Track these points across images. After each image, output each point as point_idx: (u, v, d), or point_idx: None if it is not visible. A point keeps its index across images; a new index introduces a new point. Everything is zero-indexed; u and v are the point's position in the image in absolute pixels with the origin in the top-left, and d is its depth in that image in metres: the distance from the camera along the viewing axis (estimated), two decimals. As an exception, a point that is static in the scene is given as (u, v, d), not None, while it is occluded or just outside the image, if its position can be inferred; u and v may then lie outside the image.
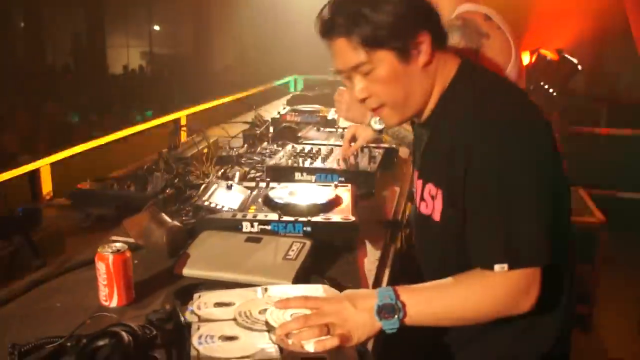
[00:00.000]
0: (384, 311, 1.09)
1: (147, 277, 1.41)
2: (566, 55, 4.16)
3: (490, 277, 1.12)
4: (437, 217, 1.24)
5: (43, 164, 2.10)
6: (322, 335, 1.08)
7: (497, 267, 1.10)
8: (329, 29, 1.17)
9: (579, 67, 4.20)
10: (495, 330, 1.24)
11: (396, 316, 1.09)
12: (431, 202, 1.25)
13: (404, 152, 2.61)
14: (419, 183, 1.31)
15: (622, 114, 5.01)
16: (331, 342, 1.07)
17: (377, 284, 1.44)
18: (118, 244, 1.29)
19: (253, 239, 1.49)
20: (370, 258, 1.56)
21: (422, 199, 1.29)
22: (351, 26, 1.14)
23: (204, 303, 1.23)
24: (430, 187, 1.26)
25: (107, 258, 1.25)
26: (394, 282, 1.45)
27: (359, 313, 1.10)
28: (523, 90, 1.26)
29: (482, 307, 1.14)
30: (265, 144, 2.77)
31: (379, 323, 1.09)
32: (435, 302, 1.14)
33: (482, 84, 1.22)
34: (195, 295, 1.27)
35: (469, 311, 1.14)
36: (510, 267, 1.10)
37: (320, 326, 1.08)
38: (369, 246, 1.63)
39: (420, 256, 1.42)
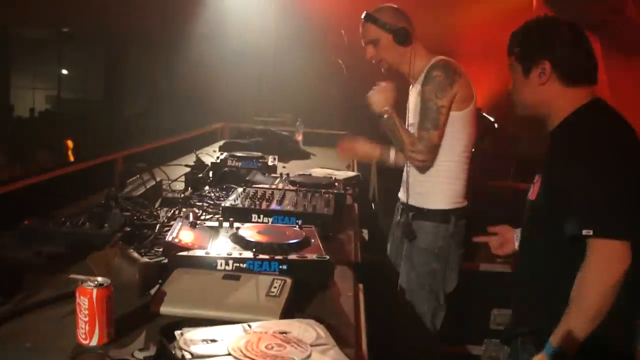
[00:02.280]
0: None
1: (120, 315, 1.34)
2: (483, 114, 4.38)
3: (584, 266, 1.62)
4: (533, 197, 1.86)
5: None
6: None
7: (584, 231, 1.59)
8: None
9: (496, 125, 4.45)
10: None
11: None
12: (533, 188, 1.88)
13: (348, 199, 2.69)
14: (538, 178, 1.89)
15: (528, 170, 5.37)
16: None
17: (357, 320, 1.45)
18: (100, 278, 1.23)
19: (231, 276, 1.46)
20: (344, 296, 1.58)
21: (531, 189, 1.90)
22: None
23: (190, 340, 1.19)
24: (537, 178, 1.87)
25: (91, 292, 1.18)
26: (372, 317, 1.49)
27: None
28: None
29: (594, 289, 1.60)
30: (207, 187, 2.74)
31: None
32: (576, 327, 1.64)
33: (597, 124, 1.79)
34: (177, 333, 1.22)
35: (597, 299, 1.61)
36: (595, 234, 1.59)
37: None
38: (339, 285, 1.64)
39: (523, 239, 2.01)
